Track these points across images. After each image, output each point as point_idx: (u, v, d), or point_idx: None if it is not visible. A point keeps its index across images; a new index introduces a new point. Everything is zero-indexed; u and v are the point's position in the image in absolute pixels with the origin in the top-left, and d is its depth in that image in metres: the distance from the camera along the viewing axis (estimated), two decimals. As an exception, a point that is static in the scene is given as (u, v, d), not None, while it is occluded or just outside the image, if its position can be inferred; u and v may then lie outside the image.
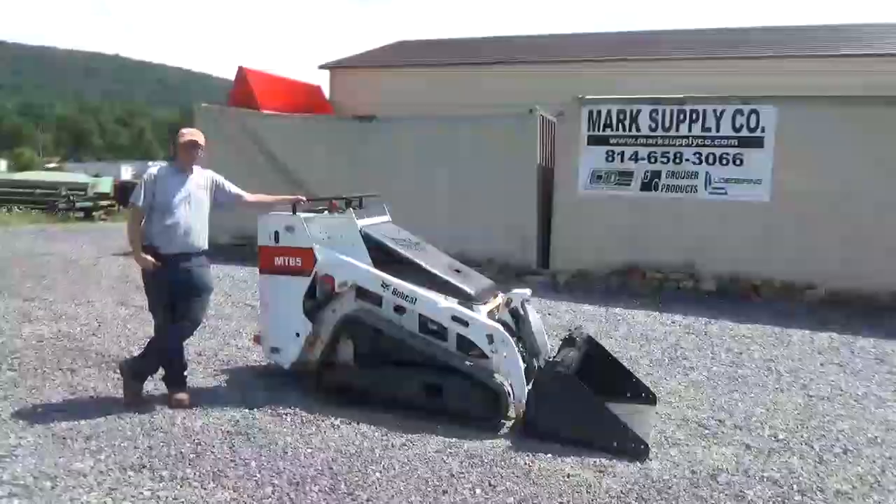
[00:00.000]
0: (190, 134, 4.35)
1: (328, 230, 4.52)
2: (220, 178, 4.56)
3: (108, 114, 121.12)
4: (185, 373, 4.48)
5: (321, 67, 16.64)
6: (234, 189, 4.59)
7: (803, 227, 8.04)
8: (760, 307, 7.82)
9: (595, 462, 3.61)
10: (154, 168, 4.42)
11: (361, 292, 4.40)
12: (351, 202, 4.78)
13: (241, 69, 12.79)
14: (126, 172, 36.34)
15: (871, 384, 5.17)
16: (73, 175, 22.96)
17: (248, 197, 4.64)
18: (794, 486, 3.42)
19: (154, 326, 4.42)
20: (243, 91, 12.38)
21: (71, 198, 17.64)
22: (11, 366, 4.92)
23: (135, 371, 4.31)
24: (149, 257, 4.15)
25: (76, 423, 3.94)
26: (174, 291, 4.25)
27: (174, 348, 4.37)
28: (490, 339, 4.05)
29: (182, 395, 4.28)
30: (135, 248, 4.20)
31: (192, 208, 4.29)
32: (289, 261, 4.49)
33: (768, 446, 3.92)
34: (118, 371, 4.43)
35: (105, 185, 19.28)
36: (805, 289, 8.07)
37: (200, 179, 4.40)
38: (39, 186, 18.32)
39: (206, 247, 4.40)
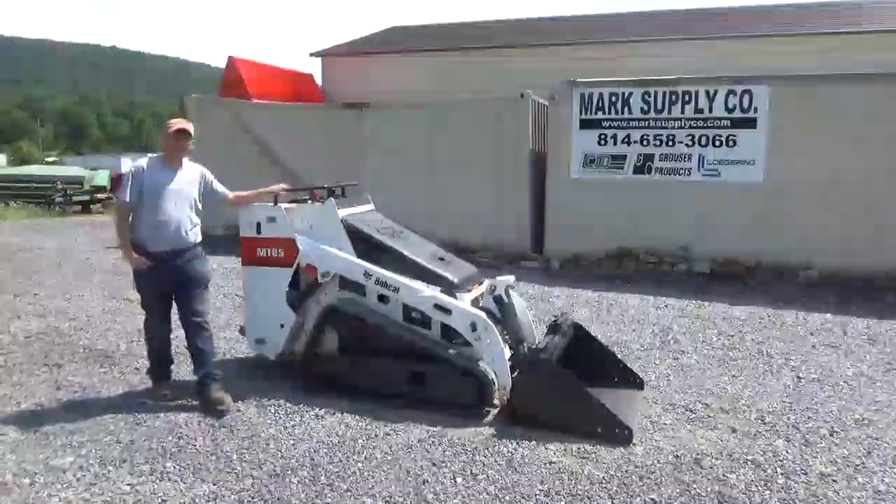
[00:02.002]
0: (177, 123, 4.13)
1: (309, 220, 4.48)
2: (210, 176, 4.37)
3: (106, 106, 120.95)
4: (171, 366, 4.46)
5: (312, 55, 16.51)
6: (221, 189, 4.42)
7: (797, 207, 7.99)
8: (755, 289, 7.78)
9: (578, 448, 3.59)
10: (142, 161, 4.20)
11: (344, 282, 4.37)
12: (333, 191, 4.74)
13: (231, 59, 12.70)
14: (126, 165, 36.16)
15: (862, 365, 5.14)
16: (70, 168, 22.88)
17: (230, 196, 4.46)
18: (778, 469, 3.40)
19: (144, 322, 4.34)
20: (233, 80, 12.31)
21: (67, 191, 17.58)
22: (-2, 362, 4.91)
23: (149, 369, 4.36)
24: (140, 257, 4.01)
25: (59, 418, 3.94)
26: (169, 289, 4.14)
27: (161, 338, 4.31)
28: (473, 326, 4.03)
29: (166, 390, 4.26)
30: (124, 247, 4.06)
31: (182, 204, 4.11)
32: (271, 252, 4.46)
33: (754, 429, 3.90)
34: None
35: (102, 178, 19.20)
36: (799, 270, 8.02)
37: (191, 174, 4.22)
38: (35, 181, 18.25)
39: (197, 241, 4.23)
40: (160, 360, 4.37)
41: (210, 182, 4.36)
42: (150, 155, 4.31)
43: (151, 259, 4.03)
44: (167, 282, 4.11)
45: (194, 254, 4.21)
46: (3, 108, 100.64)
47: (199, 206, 4.27)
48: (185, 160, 4.23)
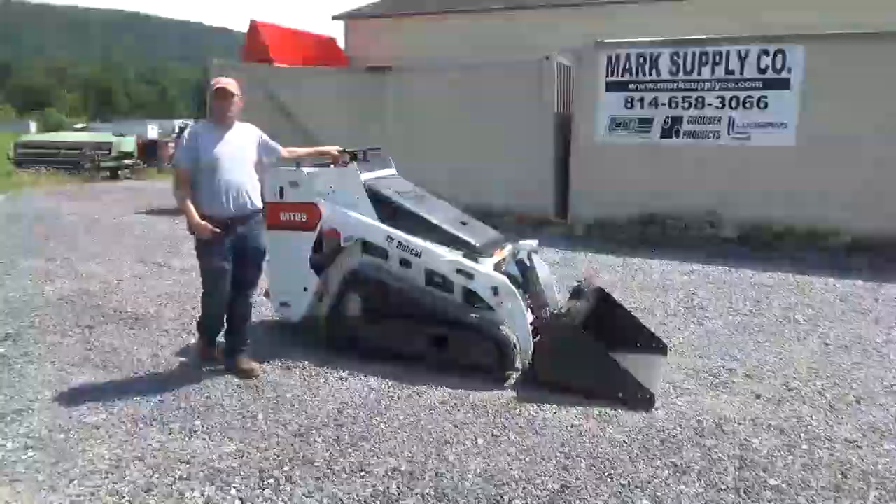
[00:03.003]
0: (220, 83, 3.98)
1: (332, 184, 4.48)
2: (264, 135, 4.26)
3: (131, 73, 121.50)
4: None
5: (335, 18, 16.34)
6: (275, 145, 4.32)
7: (830, 171, 7.77)
8: (783, 255, 7.64)
9: (600, 412, 3.60)
10: (193, 125, 4.12)
11: (367, 246, 4.38)
12: (355, 155, 4.72)
13: (253, 23, 12.61)
14: (152, 131, 36.22)
15: (892, 331, 5.05)
16: (98, 135, 23.07)
17: (284, 152, 4.38)
18: (802, 435, 3.38)
19: (202, 296, 4.20)
20: (256, 45, 12.23)
21: (96, 157, 17.78)
22: (32, 323, 5.05)
23: (201, 334, 4.37)
24: (208, 225, 3.84)
25: (92, 378, 4.06)
26: (231, 258, 4.00)
27: (221, 313, 4.21)
28: (495, 291, 4.03)
29: (216, 353, 4.31)
30: (189, 214, 3.86)
31: (240, 166, 3.98)
32: (294, 216, 4.48)
33: (778, 395, 3.87)
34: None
35: (128, 144, 19.37)
36: (830, 235, 7.84)
37: (245, 135, 4.10)
38: (64, 147, 18.48)
39: (260, 206, 4.12)
40: (217, 329, 4.31)
41: (265, 140, 4.24)
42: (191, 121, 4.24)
43: (217, 226, 3.88)
44: (230, 250, 3.98)
45: (258, 221, 4.13)
46: (30, 75, 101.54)
47: (257, 169, 4.14)
48: (238, 122, 4.10)
